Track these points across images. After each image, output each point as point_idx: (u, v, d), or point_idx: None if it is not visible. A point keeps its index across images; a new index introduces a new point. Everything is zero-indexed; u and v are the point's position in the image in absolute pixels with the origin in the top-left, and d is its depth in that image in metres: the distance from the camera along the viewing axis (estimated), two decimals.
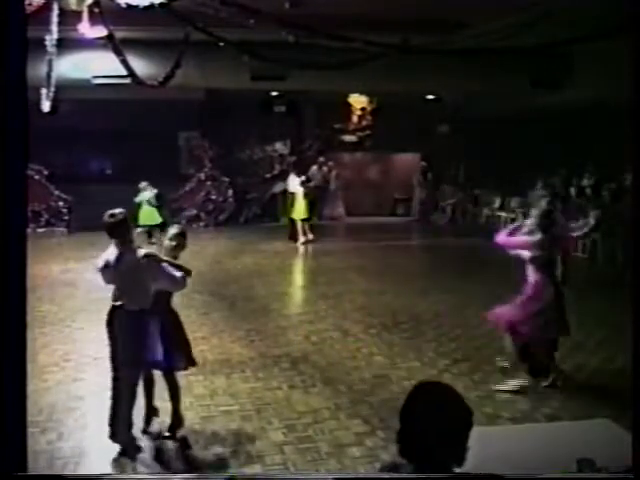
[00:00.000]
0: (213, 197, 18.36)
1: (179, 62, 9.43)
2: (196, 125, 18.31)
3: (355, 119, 19.13)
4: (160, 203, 14.43)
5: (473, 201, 19.57)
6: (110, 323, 4.83)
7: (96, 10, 7.50)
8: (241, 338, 7.81)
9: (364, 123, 19.13)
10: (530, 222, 6.24)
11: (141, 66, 11.01)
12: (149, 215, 13.86)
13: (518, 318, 6.05)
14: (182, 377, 5.42)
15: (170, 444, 5.04)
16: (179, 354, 5.12)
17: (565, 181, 16.27)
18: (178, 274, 4.85)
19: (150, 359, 4.93)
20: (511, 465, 3.19)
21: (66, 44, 8.20)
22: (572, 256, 6.71)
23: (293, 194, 15.64)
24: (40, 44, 7.04)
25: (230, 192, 18.45)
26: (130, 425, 4.86)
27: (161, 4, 6.75)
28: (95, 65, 12.52)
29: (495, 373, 6.58)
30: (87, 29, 7.80)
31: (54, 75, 7.40)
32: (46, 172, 16.78)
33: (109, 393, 4.96)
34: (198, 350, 5.66)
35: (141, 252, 4.78)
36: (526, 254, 6.09)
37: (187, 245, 5.17)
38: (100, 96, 14.60)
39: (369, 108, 18.83)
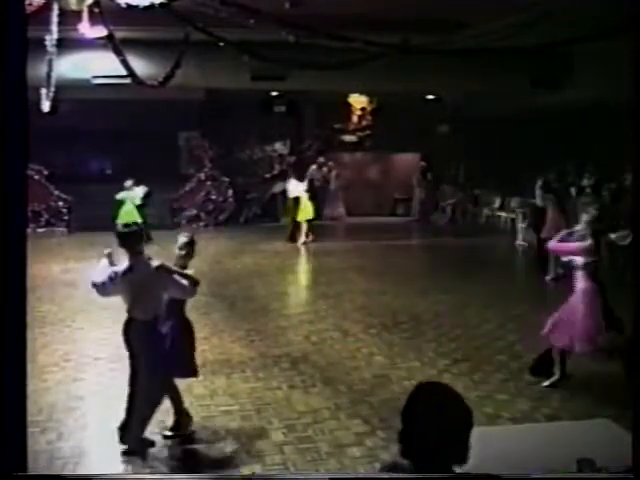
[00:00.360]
0: (213, 197, 18.35)
1: (179, 62, 9.43)
2: (196, 125, 18.29)
3: (355, 119, 19.11)
4: (145, 202, 14.35)
5: (473, 201, 19.56)
6: (126, 333, 4.90)
7: (96, 10, 7.51)
8: (241, 338, 7.82)
9: (364, 123, 19.11)
10: (580, 227, 6.15)
11: (141, 66, 11.01)
12: (129, 214, 13.64)
13: (578, 334, 5.90)
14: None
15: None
16: (182, 364, 5.18)
17: (561, 176, 16.18)
18: (188, 283, 4.95)
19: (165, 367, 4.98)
20: (511, 465, 3.19)
21: (66, 44, 8.22)
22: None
23: (297, 198, 15.44)
24: (40, 44, 7.06)
25: (230, 192, 18.43)
26: (142, 437, 4.87)
27: (161, 4, 6.75)
28: (95, 65, 12.52)
29: (495, 373, 6.59)
30: (87, 29, 7.81)
31: (54, 75, 7.42)
32: (46, 172, 16.77)
33: (109, 393, 4.96)
34: (198, 350, 5.66)
35: (154, 264, 4.84)
36: (579, 260, 6.00)
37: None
38: (100, 96, 14.60)
39: (369, 108, 18.81)
